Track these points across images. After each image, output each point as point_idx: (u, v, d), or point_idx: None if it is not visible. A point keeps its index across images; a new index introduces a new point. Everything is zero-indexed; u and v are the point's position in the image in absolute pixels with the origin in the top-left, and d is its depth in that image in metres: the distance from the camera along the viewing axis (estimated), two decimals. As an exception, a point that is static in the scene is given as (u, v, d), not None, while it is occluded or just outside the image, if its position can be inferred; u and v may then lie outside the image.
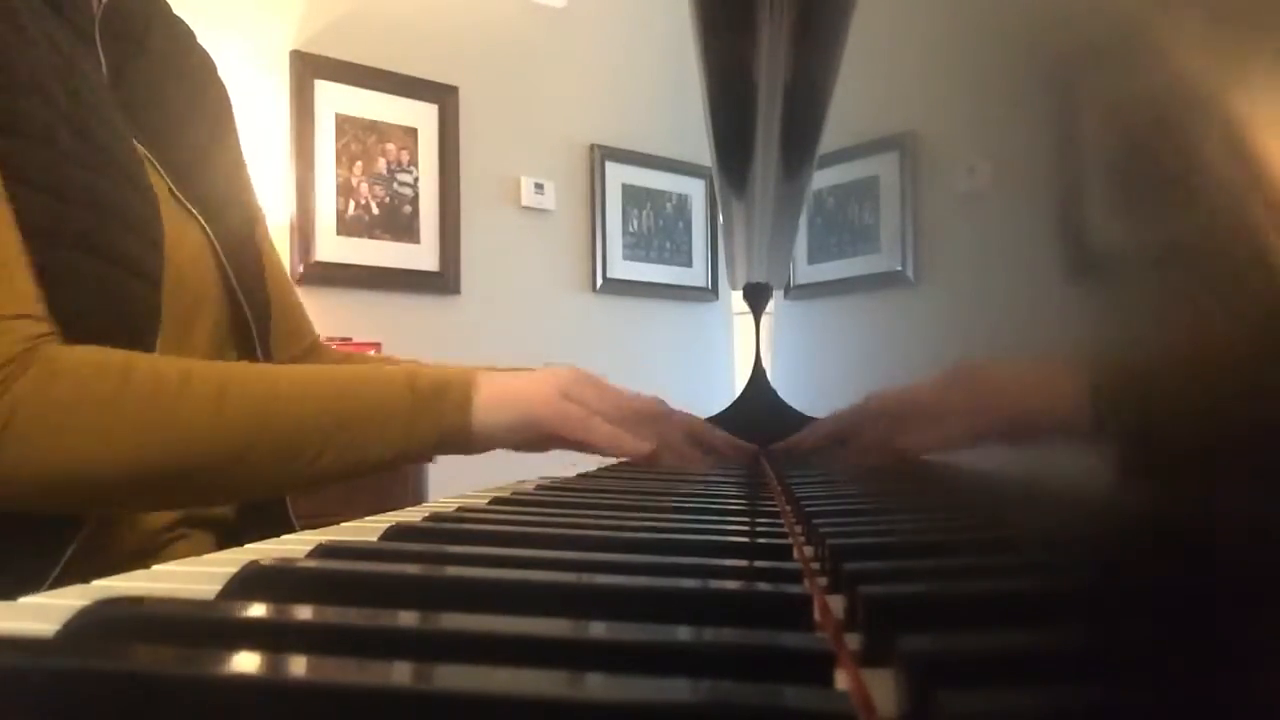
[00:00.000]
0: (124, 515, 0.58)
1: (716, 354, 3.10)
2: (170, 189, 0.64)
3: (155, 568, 0.26)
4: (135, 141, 0.62)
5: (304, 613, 0.19)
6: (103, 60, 0.62)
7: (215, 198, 0.69)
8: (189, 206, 0.65)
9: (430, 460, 0.60)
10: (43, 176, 0.51)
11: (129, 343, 0.54)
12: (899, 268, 0.42)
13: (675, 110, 2.96)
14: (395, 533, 0.33)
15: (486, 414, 0.59)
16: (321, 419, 0.54)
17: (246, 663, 0.16)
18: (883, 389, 0.38)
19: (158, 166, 0.64)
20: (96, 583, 0.23)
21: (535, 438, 0.61)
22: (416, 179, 2.50)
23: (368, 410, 0.56)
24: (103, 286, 0.53)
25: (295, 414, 0.54)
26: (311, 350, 0.85)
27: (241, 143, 0.81)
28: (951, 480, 0.27)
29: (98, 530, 0.54)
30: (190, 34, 0.77)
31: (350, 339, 2.20)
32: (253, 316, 0.70)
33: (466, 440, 0.59)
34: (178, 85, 0.71)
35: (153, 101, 0.67)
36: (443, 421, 0.58)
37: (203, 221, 0.66)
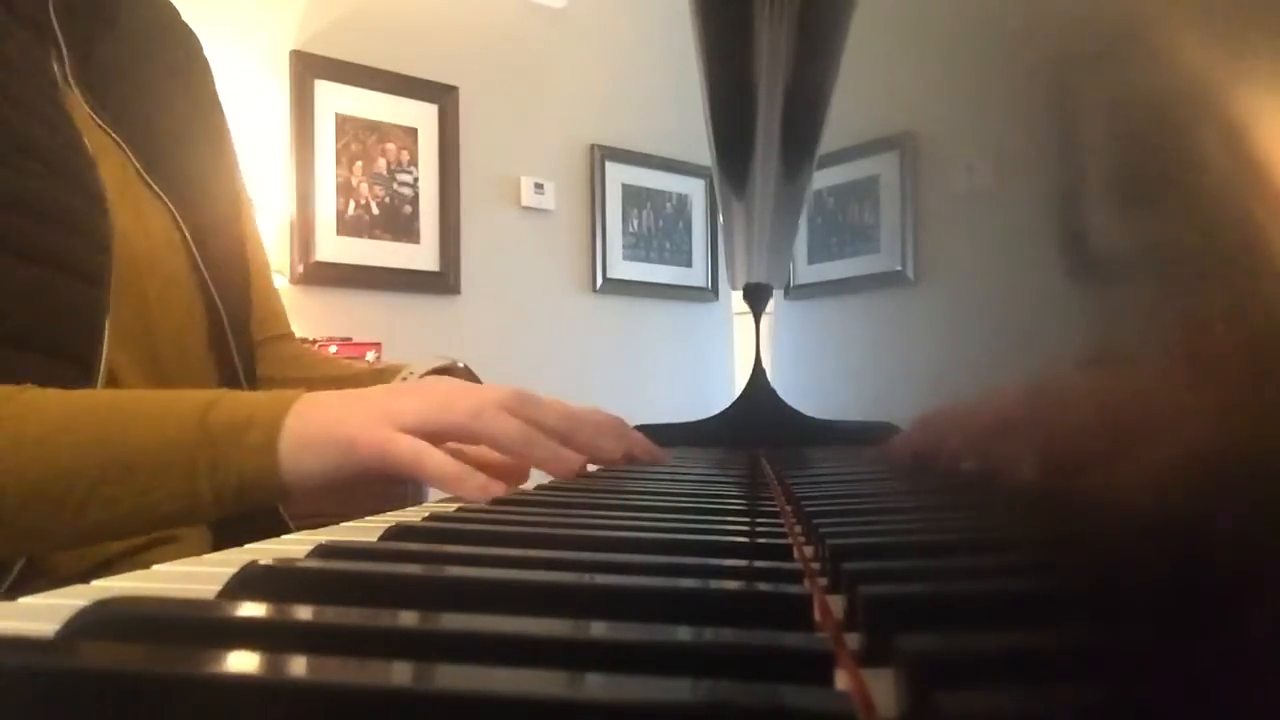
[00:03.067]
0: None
1: (716, 354, 3.10)
2: (139, 172, 0.62)
3: (155, 568, 0.26)
4: (102, 125, 0.60)
5: (304, 613, 0.19)
6: (62, 44, 0.60)
7: (188, 180, 0.67)
8: (158, 191, 0.63)
9: (243, 512, 0.48)
10: None
11: (68, 343, 0.52)
12: (899, 268, 0.42)
13: (675, 110, 2.96)
14: (395, 533, 0.33)
15: (296, 455, 0.47)
16: (81, 464, 0.44)
17: (246, 663, 0.16)
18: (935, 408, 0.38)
19: (126, 149, 0.62)
20: (96, 583, 0.23)
21: (358, 479, 0.49)
22: (416, 179, 2.50)
23: (138, 454, 0.45)
24: (36, 291, 0.51)
25: (48, 458, 0.44)
26: (273, 341, 0.78)
27: (228, 124, 0.78)
28: (951, 480, 0.27)
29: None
30: (172, 10, 0.75)
31: (350, 339, 2.20)
32: (224, 305, 0.67)
33: (277, 489, 0.47)
34: (153, 63, 0.69)
35: (124, 81, 0.64)
36: (242, 466, 0.46)
37: (171, 206, 0.64)
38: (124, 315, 0.56)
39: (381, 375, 0.75)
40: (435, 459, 0.48)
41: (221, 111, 0.78)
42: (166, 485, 0.46)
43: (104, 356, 0.54)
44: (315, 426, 0.48)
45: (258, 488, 0.47)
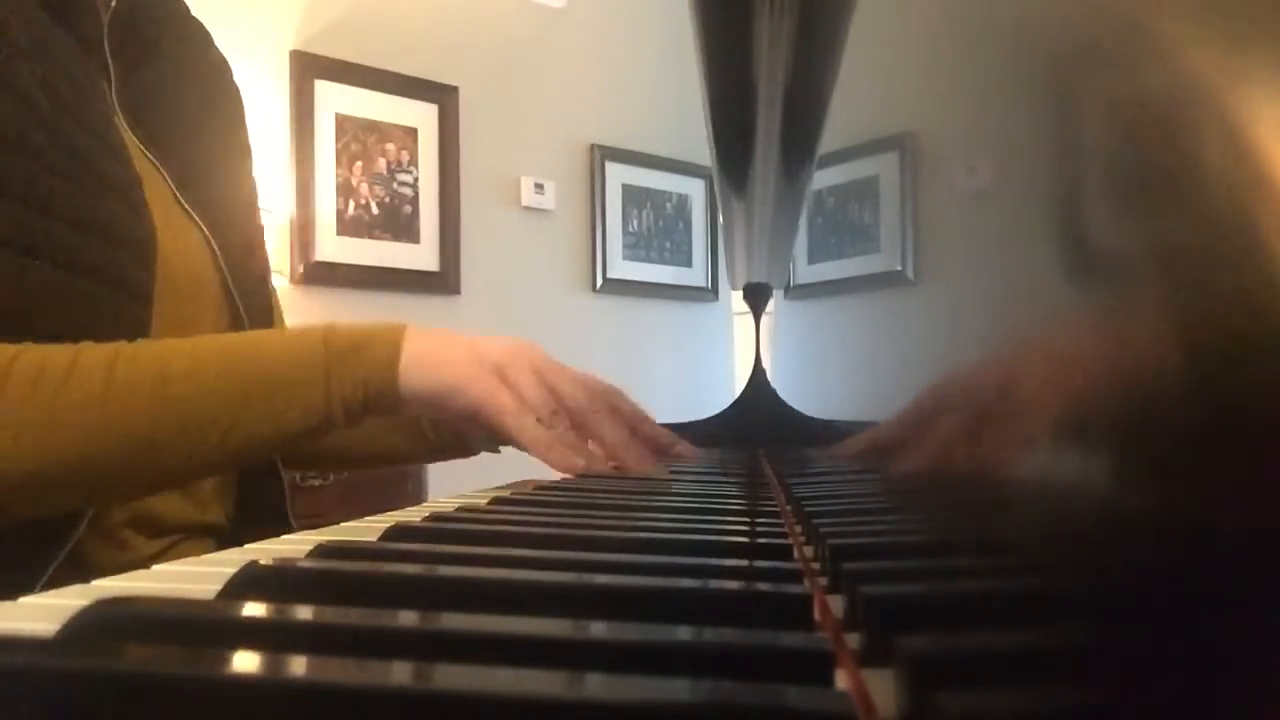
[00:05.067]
0: (108, 535, 0.56)
1: (716, 354, 3.10)
2: (174, 194, 0.64)
3: (155, 568, 0.26)
4: (142, 147, 0.62)
5: (304, 613, 0.19)
6: (111, 66, 0.61)
7: (220, 204, 0.68)
8: (192, 213, 0.65)
9: (357, 423, 0.55)
10: (18, 188, 0.49)
11: None
12: (899, 268, 0.42)
13: (675, 110, 2.96)
14: (395, 533, 0.33)
15: (415, 373, 0.54)
16: (226, 389, 0.49)
17: (246, 663, 0.16)
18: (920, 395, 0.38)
19: (163, 171, 0.63)
20: (96, 583, 0.23)
21: (459, 412, 0.56)
22: (416, 179, 2.50)
23: (277, 374, 0.51)
24: (86, 304, 0.52)
25: (196, 388, 0.49)
26: None
27: (252, 152, 0.80)
28: (951, 480, 0.27)
29: (81, 549, 0.52)
30: (206, 36, 0.77)
31: (350, 339, 2.20)
32: (252, 327, 0.69)
33: (395, 401, 0.54)
34: (189, 89, 0.71)
35: (162, 105, 0.66)
36: (367, 377, 0.53)
37: (205, 229, 0.65)
38: (160, 334, 0.57)
39: None
40: (534, 426, 0.56)
41: (248, 138, 0.80)
42: (302, 402, 0.51)
43: None
44: (434, 352, 0.55)
45: (379, 397, 0.53)
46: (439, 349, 0.56)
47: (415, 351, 0.54)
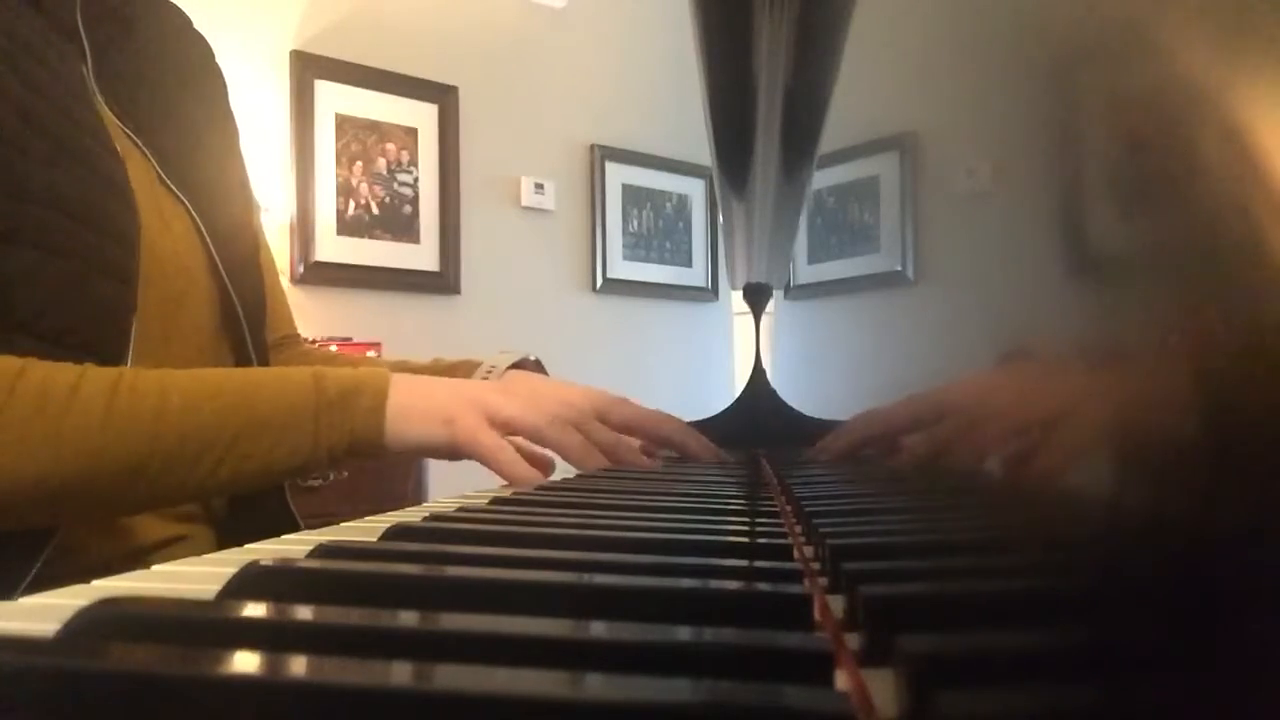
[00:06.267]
0: (101, 527, 0.57)
1: (716, 354, 3.10)
2: (158, 174, 0.63)
3: (155, 568, 0.26)
4: (123, 128, 0.61)
5: (304, 613, 0.19)
6: (87, 48, 0.61)
7: (206, 184, 0.68)
8: (177, 193, 0.64)
9: (341, 468, 0.58)
10: None
11: (98, 341, 0.53)
12: (899, 268, 0.42)
13: (675, 110, 2.96)
14: (395, 533, 0.33)
15: (402, 422, 0.57)
16: (220, 426, 0.52)
17: (246, 663, 0.16)
18: (921, 393, 0.38)
19: (145, 151, 0.63)
20: (96, 583, 0.23)
21: (444, 455, 0.59)
22: (416, 179, 2.50)
23: (269, 415, 0.53)
24: (68, 287, 0.52)
25: (191, 422, 0.51)
26: (284, 343, 0.83)
27: (239, 131, 0.80)
28: (952, 480, 0.27)
29: (68, 545, 0.52)
30: (185, 20, 0.76)
31: (350, 339, 2.20)
32: (242, 307, 0.68)
33: (380, 448, 0.57)
34: (168, 69, 0.70)
35: (141, 85, 0.65)
36: (354, 425, 0.55)
37: (191, 208, 0.65)
38: (148, 315, 0.57)
39: (455, 370, 0.79)
40: (510, 456, 0.58)
41: (232, 118, 0.80)
42: (290, 442, 0.53)
43: (130, 356, 0.55)
44: (419, 400, 0.57)
45: (364, 443, 0.56)
46: (423, 398, 0.58)
47: (400, 402, 0.57)
